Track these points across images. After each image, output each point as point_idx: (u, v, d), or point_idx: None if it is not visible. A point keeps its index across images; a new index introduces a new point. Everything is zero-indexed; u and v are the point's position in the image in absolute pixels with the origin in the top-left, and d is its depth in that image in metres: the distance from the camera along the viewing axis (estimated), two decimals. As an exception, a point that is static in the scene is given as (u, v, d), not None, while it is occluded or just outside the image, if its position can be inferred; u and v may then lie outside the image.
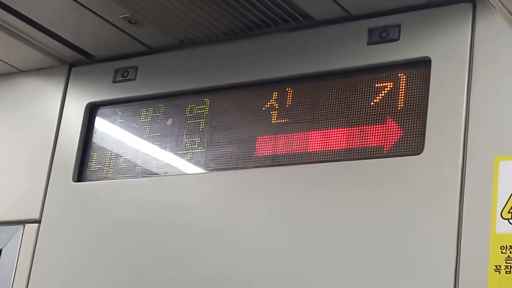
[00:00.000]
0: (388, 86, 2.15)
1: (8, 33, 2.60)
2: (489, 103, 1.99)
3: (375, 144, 2.12)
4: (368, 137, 2.14)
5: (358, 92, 2.19)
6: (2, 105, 2.82)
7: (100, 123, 2.62)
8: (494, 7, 1.69)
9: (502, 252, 1.86)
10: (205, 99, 2.43)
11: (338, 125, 2.19)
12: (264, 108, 2.32)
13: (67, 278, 2.46)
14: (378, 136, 2.13)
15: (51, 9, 2.46)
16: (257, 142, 2.31)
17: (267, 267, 2.14)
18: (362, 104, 2.17)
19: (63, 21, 2.53)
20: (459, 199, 1.95)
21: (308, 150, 2.22)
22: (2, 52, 2.74)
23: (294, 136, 2.25)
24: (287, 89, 2.30)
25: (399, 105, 2.12)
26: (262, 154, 2.29)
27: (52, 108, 2.69)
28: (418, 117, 2.08)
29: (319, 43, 2.28)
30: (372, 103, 2.16)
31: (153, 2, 2.32)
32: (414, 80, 2.12)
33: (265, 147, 2.29)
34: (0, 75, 2.85)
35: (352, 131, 2.17)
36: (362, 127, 2.16)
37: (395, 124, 2.11)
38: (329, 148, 2.19)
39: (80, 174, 2.58)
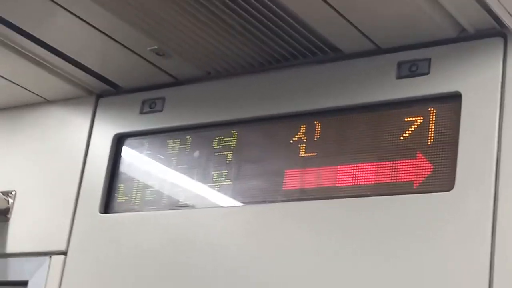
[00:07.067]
0: (418, 121, 2.12)
1: (35, 63, 2.61)
2: (521, 139, 1.97)
3: (405, 180, 2.09)
4: (398, 172, 2.11)
5: (388, 126, 2.16)
6: (29, 135, 2.83)
7: (127, 154, 2.62)
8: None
9: (535, 293, 1.83)
10: (232, 131, 2.42)
11: (367, 159, 2.17)
12: (292, 141, 2.30)
13: (93, 310, 2.46)
14: (408, 172, 2.10)
15: (78, 40, 2.47)
16: (285, 176, 2.29)
17: (295, 304, 2.12)
18: (391, 139, 2.15)
19: (91, 52, 2.54)
20: (491, 237, 1.91)
21: (337, 185, 2.19)
22: (30, 82, 2.75)
23: (322, 170, 2.23)
24: (315, 122, 2.28)
25: (429, 140, 2.09)
26: (290, 188, 2.27)
27: (79, 138, 2.69)
28: (449, 152, 2.05)
29: (348, 76, 2.27)
30: (401, 138, 2.13)
31: (181, 34, 2.32)
32: (444, 115, 2.09)
33: (293, 180, 2.27)
34: (27, 105, 2.86)
35: (381, 166, 2.14)
36: (391, 162, 2.13)
37: (425, 159, 2.08)
38: (358, 183, 2.16)
39: (107, 205, 2.57)
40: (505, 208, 1.92)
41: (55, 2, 2.26)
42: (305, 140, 2.28)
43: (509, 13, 2.02)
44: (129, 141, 2.62)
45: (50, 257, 2.57)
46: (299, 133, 2.30)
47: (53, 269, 2.55)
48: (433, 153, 2.08)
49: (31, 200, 2.71)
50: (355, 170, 2.18)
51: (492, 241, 1.90)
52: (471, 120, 2.04)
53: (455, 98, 2.08)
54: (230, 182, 2.37)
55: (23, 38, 2.47)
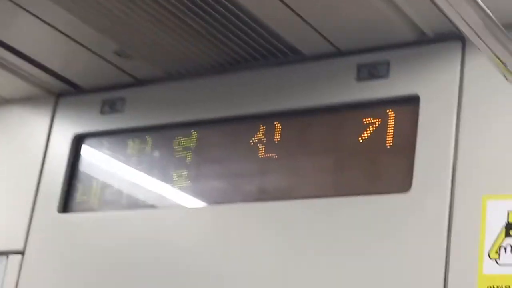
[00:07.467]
0: (377, 123, 2.14)
1: (-6, 62, 2.60)
2: (478, 142, 1.99)
3: (363, 181, 2.11)
4: (357, 174, 2.13)
5: (346, 128, 2.18)
6: (-13, 134, 2.81)
7: (87, 154, 2.60)
8: (480, 49, 1.67)
9: (489, 293, 1.86)
10: (192, 132, 2.42)
11: (326, 160, 2.18)
12: (251, 142, 2.31)
13: (51, 311, 2.44)
14: (366, 173, 2.12)
15: (38, 41, 2.46)
16: (244, 177, 2.29)
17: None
18: (350, 140, 2.17)
19: (51, 53, 2.53)
20: (447, 238, 1.94)
21: (296, 186, 2.21)
22: (-12, 81, 2.73)
23: (281, 171, 2.24)
24: (275, 123, 2.29)
25: (388, 142, 2.11)
26: (249, 189, 2.27)
27: (39, 138, 2.67)
28: (406, 154, 2.07)
29: (308, 78, 2.28)
30: (360, 140, 2.15)
31: (141, 35, 2.32)
32: (402, 117, 2.11)
33: (252, 181, 2.27)
34: (-15, 104, 2.84)
35: (340, 167, 2.16)
36: (350, 163, 2.15)
37: (383, 161, 2.10)
38: (317, 184, 2.18)
39: (65, 205, 2.55)
40: (461, 209, 1.95)
41: (16, 4, 2.25)
42: (264, 141, 2.29)
43: (465, 21, 2.04)
44: (89, 141, 2.61)
45: (7, 256, 2.55)
46: (258, 134, 2.31)
47: (10, 268, 2.53)
48: (391, 155, 2.10)
49: (-12, 199, 2.70)
50: (314, 171, 2.19)
51: (448, 241, 1.93)
52: (429, 122, 2.06)
53: (413, 100, 2.11)
54: (190, 183, 2.37)
55: (-19, 37, 2.47)
